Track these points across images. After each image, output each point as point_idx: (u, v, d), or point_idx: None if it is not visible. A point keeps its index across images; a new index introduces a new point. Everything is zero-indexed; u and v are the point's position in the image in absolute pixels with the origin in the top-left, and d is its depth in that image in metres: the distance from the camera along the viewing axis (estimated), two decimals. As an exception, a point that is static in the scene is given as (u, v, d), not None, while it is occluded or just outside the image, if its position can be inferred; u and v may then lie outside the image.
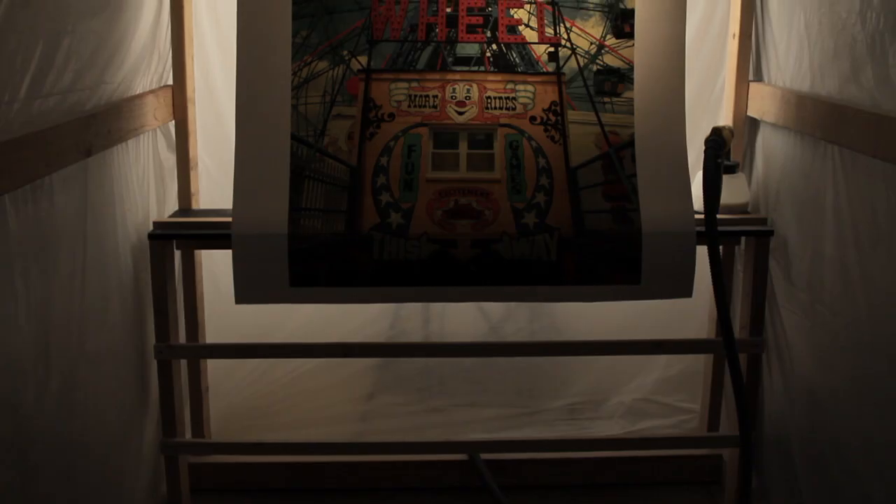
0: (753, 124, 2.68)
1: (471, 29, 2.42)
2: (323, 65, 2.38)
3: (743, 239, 2.64)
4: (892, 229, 1.94)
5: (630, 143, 2.41)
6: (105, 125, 2.20)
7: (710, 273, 2.31)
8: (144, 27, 2.48)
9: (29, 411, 1.86)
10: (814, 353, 2.36)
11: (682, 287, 2.42)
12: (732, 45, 2.65)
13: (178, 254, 2.62)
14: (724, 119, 2.71)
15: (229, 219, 2.35)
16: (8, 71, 1.75)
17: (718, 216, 2.35)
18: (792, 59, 2.43)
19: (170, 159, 2.67)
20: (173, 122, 2.64)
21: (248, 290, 2.35)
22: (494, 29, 2.42)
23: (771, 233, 2.55)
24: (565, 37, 2.43)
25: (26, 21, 1.80)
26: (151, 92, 2.50)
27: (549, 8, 2.43)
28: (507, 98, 2.41)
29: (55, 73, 1.95)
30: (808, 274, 2.37)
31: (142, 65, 2.47)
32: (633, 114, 2.42)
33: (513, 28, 2.42)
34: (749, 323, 2.63)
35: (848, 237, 2.15)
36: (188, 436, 2.79)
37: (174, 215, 2.62)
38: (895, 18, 1.91)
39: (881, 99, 1.96)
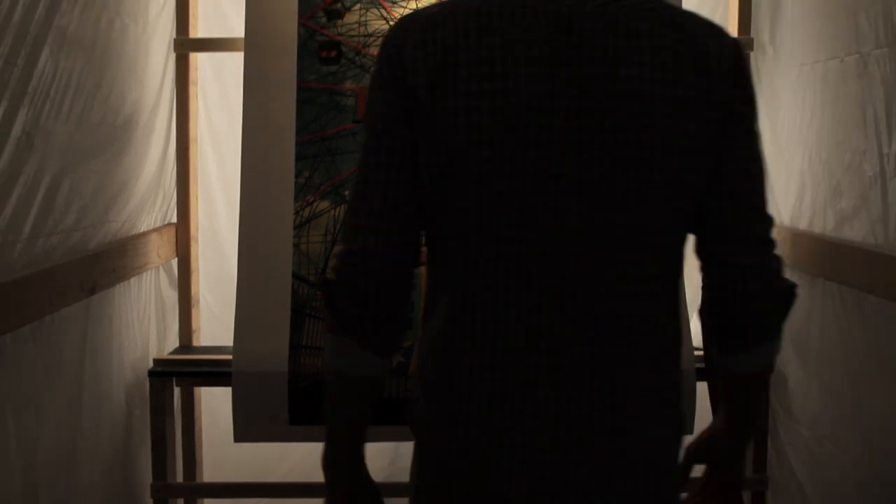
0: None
1: (470, 168, 2.45)
2: (324, 204, 2.41)
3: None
4: (892, 365, 1.93)
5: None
6: (109, 263, 2.22)
7: (710, 409, 2.29)
8: (151, 167, 2.52)
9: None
10: (820, 491, 2.32)
11: (683, 424, 2.39)
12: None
13: (177, 389, 2.61)
14: (722, 256, 2.72)
15: (230, 356, 2.34)
16: (12, 212, 1.77)
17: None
18: (792, 198, 2.47)
19: (171, 296, 2.69)
20: (176, 259, 2.66)
21: (247, 428, 2.32)
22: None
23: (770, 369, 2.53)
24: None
25: (31, 163, 1.83)
26: (155, 230, 2.54)
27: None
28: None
29: (58, 213, 1.97)
30: (811, 410, 2.35)
31: (147, 203, 2.51)
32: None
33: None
34: (752, 459, 2.59)
35: (848, 373, 2.14)
36: (183, 578, 2.73)
37: (175, 352, 2.62)
38: None
39: (879, 237, 1.99)
